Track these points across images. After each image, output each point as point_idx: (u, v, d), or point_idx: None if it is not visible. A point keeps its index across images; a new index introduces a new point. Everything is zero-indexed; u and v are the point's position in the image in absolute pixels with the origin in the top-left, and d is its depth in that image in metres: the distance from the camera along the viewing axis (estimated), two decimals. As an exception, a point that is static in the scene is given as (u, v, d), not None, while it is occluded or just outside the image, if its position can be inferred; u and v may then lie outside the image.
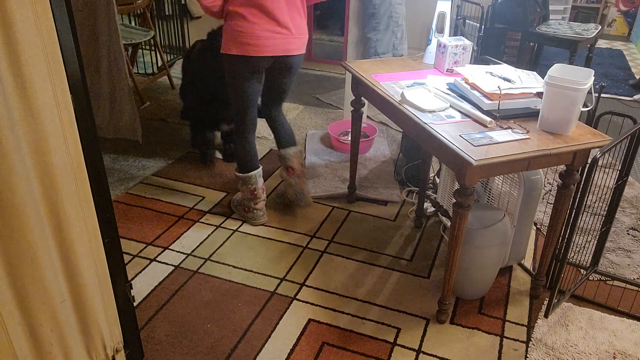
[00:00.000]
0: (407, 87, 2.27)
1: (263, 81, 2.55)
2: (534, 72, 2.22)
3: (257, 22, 2.25)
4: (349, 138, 2.93)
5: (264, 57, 2.33)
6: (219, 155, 3.38)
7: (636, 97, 4.68)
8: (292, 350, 2.00)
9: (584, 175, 1.95)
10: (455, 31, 3.87)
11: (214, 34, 2.92)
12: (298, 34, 2.38)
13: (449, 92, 2.20)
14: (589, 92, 1.96)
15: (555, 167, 2.96)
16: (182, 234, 2.64)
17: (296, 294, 2.28)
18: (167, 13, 4.98)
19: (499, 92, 2.02)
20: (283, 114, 2.78)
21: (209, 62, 2.91)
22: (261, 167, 2.69)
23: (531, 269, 2.47)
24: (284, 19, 2.30)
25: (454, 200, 1.91)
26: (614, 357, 2.02)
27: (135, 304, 1.93)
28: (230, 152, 3.30)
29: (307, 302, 2.24)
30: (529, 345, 2.06)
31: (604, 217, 2.33)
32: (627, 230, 2.78)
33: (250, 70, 2.38)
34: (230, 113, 2.75)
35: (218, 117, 3.16)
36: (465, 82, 2.17)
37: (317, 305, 2.23)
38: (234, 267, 2.42)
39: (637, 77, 5.07)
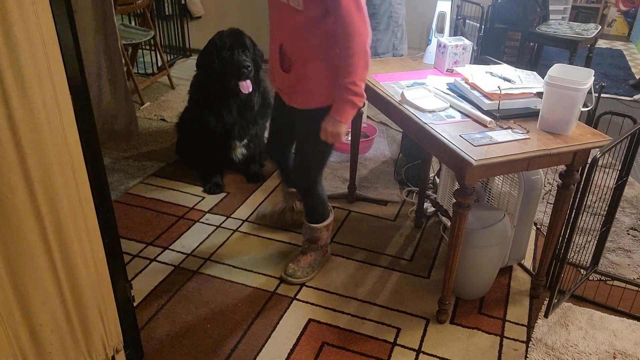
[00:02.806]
0: (407, 87, 2.27)
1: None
2: (534, 72, 2.22)
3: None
4: (349, 138, 2.93)
5: None
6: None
7: (636, 97, 4.67)
8: (292, 350, 2.00)
9: (584, 175, 1.95)
10: (455, 31, 3.88)
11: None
12: None
13: (449, 92, 2.20)
14: (589, 92, 1.96)
15: (555, 167, 2.96)
16: (182, 234, 2.64)
17: (296, 294, 2.28)
18: (167, 13, 4.97)
19: (499, 92, 2.02)
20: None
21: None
22: None
23: (531, 269, 2.47)
24: None
25: (454, 200, 1.91)
26: (614, 357, 2.01)
27: (135, 304, 1.93)
28: (253, 172, 3.11)
29: (307, 302, 2.24)
30: (529, 345, 2.06)
31: (604, 217, 2.33)
32: (627, 230, 2.78)
33: None
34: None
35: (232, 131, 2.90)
36: (465, 82, 2.17)
37: (317, 305, 2.23)
38: (234, 267, 2.42)
39: (637, 77, 5.07)
